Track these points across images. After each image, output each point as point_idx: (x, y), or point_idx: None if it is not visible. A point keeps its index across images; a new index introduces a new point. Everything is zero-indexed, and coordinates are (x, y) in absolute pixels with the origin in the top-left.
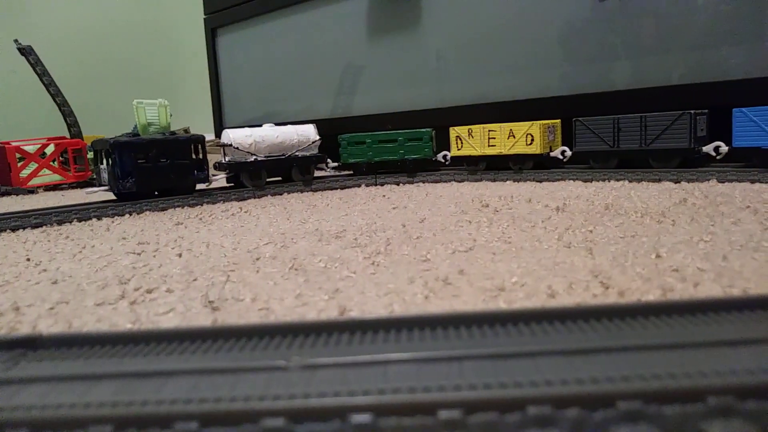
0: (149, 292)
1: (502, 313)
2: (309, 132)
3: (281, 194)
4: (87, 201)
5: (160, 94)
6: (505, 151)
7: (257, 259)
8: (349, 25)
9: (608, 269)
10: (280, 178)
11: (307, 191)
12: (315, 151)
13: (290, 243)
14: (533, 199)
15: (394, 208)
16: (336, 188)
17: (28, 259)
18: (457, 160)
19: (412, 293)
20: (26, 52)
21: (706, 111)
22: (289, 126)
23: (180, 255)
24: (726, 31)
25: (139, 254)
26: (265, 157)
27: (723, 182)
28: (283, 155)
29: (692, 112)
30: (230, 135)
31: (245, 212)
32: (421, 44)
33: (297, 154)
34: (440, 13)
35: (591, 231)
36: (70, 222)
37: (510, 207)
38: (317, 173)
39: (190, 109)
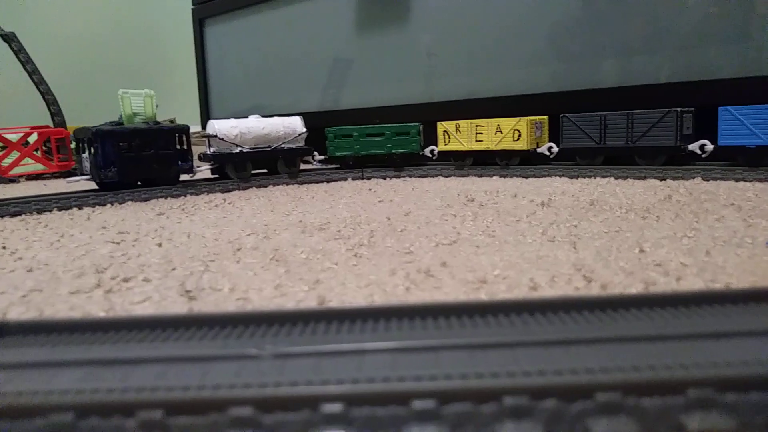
0: (126, 281)
1: (481, 304)
2: (296, 124)
3: (266, 186)
4: (68, 190)
5: (148, 85)
6: (492, 146)
7: (238, 249)
8: (339, 18)
9: (591, 263)
10: (266, 170)
11: (293, 184)
12: (301, 144)
13: (273, 234)
14: (519, 194)
15: (379, 202)
16: (322, 181)
17: (4, 247)
18: (445, 155)
19: (393, 285)
20: (9, 38)
21: (693, 109)
22: (275, 118)
23: (160, 245)
24: (714, 32)
25: (118, 243)
26: (250, 148)
27: (708, 180)
28: (269, 147)
29: (678, 110)
30: (215, 126)
31: (229, 204)
32: (410, 39)
33: (283, 146)
34: (430, 7)
35: (575, 226)
36: (50, 211)
37: (495, 202)
38: (304, 166)
39: (177, 100)
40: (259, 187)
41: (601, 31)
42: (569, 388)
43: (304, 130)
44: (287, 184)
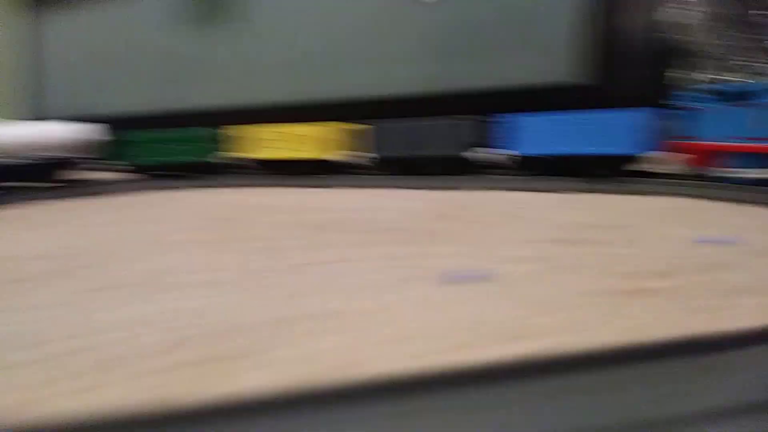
0: None
1: None
2: (73, 131)
3: (29, 201)
4: None
5: None
6: (289, 155)
7: None
8: (146, 18)
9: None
10: (38, 183)
11: (70, 198)
12: (84, 153)
13: None
14: (274, 209)
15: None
16: (103, 194)
17: None
18: (247, 163)
19: None
20: None
21: (474, 117)
22: (49, 123)
23: None
24: (498, 41)
25: None
26: (11, 157)
27: (480, 190)
28: (37, 157)
29: (458, 118)
30: None
31: None
32: (214, 42)
33: (57, 155)
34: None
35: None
36: None
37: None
38: (96, 176)
39: None
40: (16, 202)
41: (393, 40)
42: None
43: (86, 137)
44: (61, 198)
